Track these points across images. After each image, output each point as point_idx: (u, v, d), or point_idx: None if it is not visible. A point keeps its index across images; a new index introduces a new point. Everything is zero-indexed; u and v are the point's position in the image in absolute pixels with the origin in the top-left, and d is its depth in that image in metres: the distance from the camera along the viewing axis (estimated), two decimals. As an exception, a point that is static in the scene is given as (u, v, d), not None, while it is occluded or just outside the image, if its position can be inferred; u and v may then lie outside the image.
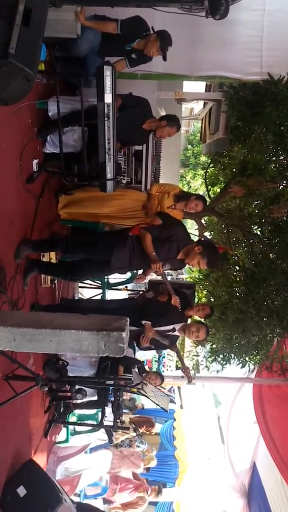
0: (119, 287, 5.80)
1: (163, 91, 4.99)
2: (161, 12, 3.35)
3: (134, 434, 4.80)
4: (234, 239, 5.75)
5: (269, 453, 5.07)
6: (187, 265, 3.87)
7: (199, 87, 7.61)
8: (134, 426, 4.72)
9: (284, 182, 5.04)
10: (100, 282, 5.58)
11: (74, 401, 4.07)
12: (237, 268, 5.28)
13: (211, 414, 8.84)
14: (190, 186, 13.85)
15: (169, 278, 4.59)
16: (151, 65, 4.09)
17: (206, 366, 5.63)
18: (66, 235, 4.44)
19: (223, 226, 5.83)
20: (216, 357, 5.12)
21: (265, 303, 4.67)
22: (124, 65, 3.70)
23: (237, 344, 4.92)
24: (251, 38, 4.33)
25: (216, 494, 6.87)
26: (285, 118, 4.45)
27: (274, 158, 5.08)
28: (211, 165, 6.18)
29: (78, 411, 4.74)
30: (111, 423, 4.02)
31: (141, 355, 8.15)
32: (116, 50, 3.66)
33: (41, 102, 3.53)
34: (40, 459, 3.83)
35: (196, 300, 5.48)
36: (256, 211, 5.46)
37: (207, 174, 6.25)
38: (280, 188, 5.09)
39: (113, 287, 5.76)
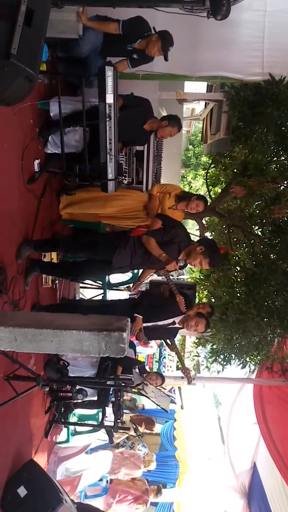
0: (120, 287, 5.80)
1: (165, 91, 4.99)
2: (162, 12, 3.35)
3: (135, 434, 4.79)
4: (235, 239, 5.75)
5: (270, 454, 5.07)
6: (188, 266, 3.88)
7: (200, 87, 7.62)
8: (134, 426, 4.71)
9: (285, 182, 5.04)
10: (101, 282, 5.58)
11: (75, 401, 4.07)
12: (238, 268, 5.28)
13: (211, 414, 8.84)
14: (191, 187, 13.85)
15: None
16: (152, 66, 4.09)
17: (207, 367, 5.63)
18: (68, 236, 4.45)
19: (224, 226, 5.82)
20: (217, 357, 5.11)
21: (265, 303, 4.67)
22: (125, 66, 3.70)
23: (237, 344, 4.92)
24: (253, 39, 4.32)
25: (216, 494, 6.87)
26: (286, 119, 4.46)
27: (275, 158, 5.09)
28: (212, 165, 6.18)
29: (78, 411, 4.75)
30: (112, 423, 4.02)
31: (141, 349, 8.17)
32: (117, 51, 3.67)
33: (43, 102, 3.53)
34: (41, 459, 3.83)
35: (197, 300, 5.48)
36: (257, 211, 5.46)
37: (208, 174, 6.25)
38: (281, 188, 5.08)
39: (114, 287, 5.75)
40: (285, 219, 4.95)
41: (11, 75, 2.21)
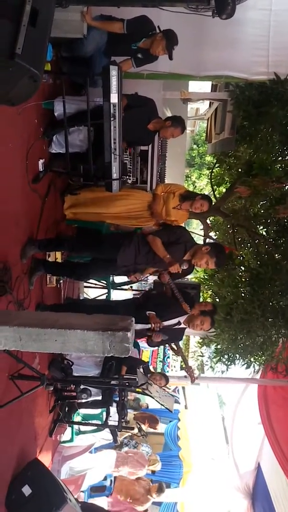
0: (124, 287, 5.81)
1: (169, 91, 4.98)
2: (167, 11, 3.34)
3: (139, 433, 4.79)
4: (239, 239, 5.74)
5: (274, 454, 5.06)
6: (193, 269, 3.88)
7: (204, 87, 7.61)
8: (138, 426, 4.71)
9: (290, 182, 5.02)
10: (105, 282, 5.59)
11: (79, 401, 4.08)
12: (243, 268, 5.27)
13: (215, 414, 8.83)
14: (196, 186, 13.85)
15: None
16: (157, 65, 4.09)
17: (211, 367, 5.63)
18: (72, 235, 4.46)
19: (228, 226, 5.82)
20: (221, 357, 5.10)
21: (270, 303, 4.66)
22: (130, 65, 3.69)
23: (242, 344, 4.91)
24: (258, 38, 4.31)
25: (220, 494, 6.86)
26: (291, 118, 4.44)
27: (280, 158, 5.08)
28: (217, 165, 6.17)
29: (82, 411, 4.75)
30: (116, 423, 4.02)
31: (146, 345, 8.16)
32: (122, 50, 3.66)
33: (47, 102, 3.54)
34: (45, 459, 3.84)
35: (201, 300, 5.47)
36: (262, 211, 5.45)
37: (213, 174, 6.24)
38: (286, 188, 5.07)
39: (118, 287, 5.76)
40: (290, 219, 4.94)
41: (16, 75, 2.21)
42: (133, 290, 6.34)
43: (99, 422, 4.69)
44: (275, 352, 4.92)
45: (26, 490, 2.97)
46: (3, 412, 2.79)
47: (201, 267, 3.42)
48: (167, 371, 8.80)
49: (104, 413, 4.37)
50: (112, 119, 3.23)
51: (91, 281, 5.79)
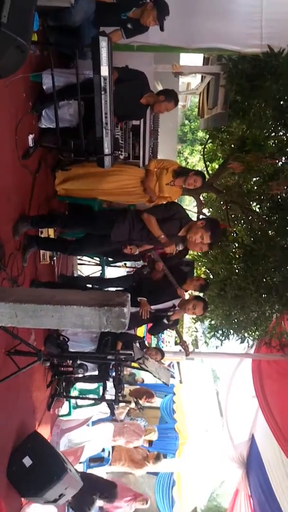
0: (118, 264, 5.81)
1: (160, 64, 4.87)
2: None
3: (136, 407, 4.90)
4: (233, 216, 5.74)
5: (268, 425, 5.20)
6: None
7: (196, 60, 7.45)
8: (135, 400, 4.81)
9: (284, 158, 4.99)
10: (99, 259, 5.59)
11: (76, 376, 4.14)
12: (236, 245, 5.28)
13: (210, 389, 9.03)
14: (188, 162, 13.72)
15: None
16: (147, 36, 3.99)
17: (205, 342, 5.71)
18: (64, 212, 4.43)
19: (221, 202, 5.80)
20: (215, 333, 5.17)
21: (264, 279, 4.69)
22: (119, 36, 3.60)
23: (236, 320, 4.97)
24: (251, 9, 4.20)
25: (215, 464, 7.08)
26: (285, 92, 4.37)
27: (274, 133, 5.03)
28: (209, 140, 6.11)
29: (79, 386, 4.82)
30: (113, 397, 4.10)
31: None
32: (111, 20, 3.56)
33: (35, 75, 3.45)
34: (44, 431, 3.92)
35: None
36: (255, 187, 5.44)
37: (205, 150, 6.18)
38: (279, 164, 5.05)
39: (112, 264, 5.77)
40: (284, 195, 4.93)
41: (2, 45, 2.15)
42: (126, 267, 6.35)
43: (96, 397, 4.78)
44: (268, 327, 4.99)
45: (27, 461, 3.05)
46: (1, 388, 2.83)
47: (196, 242, 3.41)
48: (162, 347, 8.93)
49: (101, 388, 4.45)
50: (103, 92, 3.17)
51: (84, 258, 5.79)
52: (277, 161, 4.98)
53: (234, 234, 5.49)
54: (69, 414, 4.90)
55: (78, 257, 5.75)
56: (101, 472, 5.68)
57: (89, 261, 5.89)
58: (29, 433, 3.33)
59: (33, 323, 2.20)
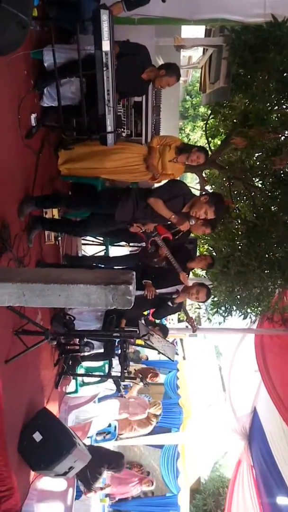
0: (122, 243, 5.81)
1: (161, 37, 4.75)
2: None
3: (142, 384, 5.00)
4: (235, 192, 5.70)
5: (270, 398, 5.31)
6: None
7: (198, 33, 7.26)
8: (140, 376, 4.91)
9: (287, 132, 4.92)
10: (102, 239, 5.60)
11: (82, 354, 4.21)
12: (239, 221, 5.27)
13: (212, 364, 9.17)
14: (190, 139, 13.55)
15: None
16: (148, 9, 3.88)
17: (208, 318, 5.77)
18: (68, 192, 4.41)
19: (224, 179, 5.76)
20: (218, 309, 5.22)
21: (266, 255, 4.70)
22: (120, 9, 3.49)
23: (239, 296, 5.00)
24: (253, -23, 4.08)
25: (218, 436, 7.26)
26: (289, 64, 4.28)
27: (277, 107, 4.94)
28: (211, 116, 6.01)
29: (86, 364, 4.91)
30: (119, 374, 4.18)
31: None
32: (111, -8, 3.46)
33: (36, 51, 3.38)
34: (53, 408, 4.01)
35: (198, 254, 5.51)
36: (258, 163, 5.38)
37: (207, 125, 6.09)
38: (282, 138, 4.98)
39: (116, 244, 5.77)
40: (286, 170, 4.89)
41: (3, 22, 2.11)
42: (130, 246, 6.35)
43: (102, 374, 4.87)
44: (271, 303, 5.03)
45: (37, 436, 3.14)
46: (11, 366, 2.89)
47: (201, 217, 3.41)
48: (165, 324, 9.04)
49: (107, 365, 4.53)
50: (105, 68, 3.10)
51: (88, 238, 5.80)
52: (280, 135, 4.91)
53: (237, 211, 5.47)
54: (76, 391, 5.01)
55: (82, 237, 5.75)
56: (108, 446, 5.83)
57: (93, 241, 5.89)
58: (38, 410, 3.42)
59: (41, 302, 2.23)
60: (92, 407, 5.20)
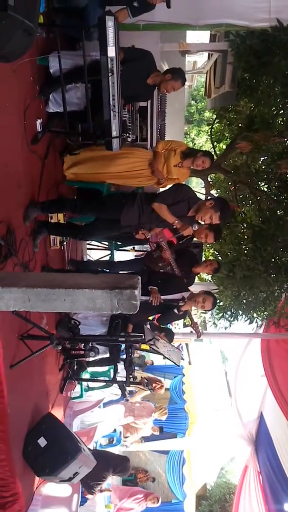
0: (127, 248, 5.82)
1: (166, 42, 4.77)
2: None
3: (147, 388, 4.98)
4: (241, 196, 5.70)
5: (277, 403, 5.26)
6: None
7: (202, 38, 7.29)
8: (146, 381, 4.89)
9: (292, 136, 4.92)
10: (108, 243, 5.60)
11: (87, 359, 4.20)
12: (245, 225, 5.26)
13: (218, 369, 9.11)
14: (195, 143, 13.55)
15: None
16: (153, 15, 3.90)
17: (214, 323, 5.74)
18: (73, 197, 4.42)
19: (229, 183, 5.76)
20: (224, 314, 5.20)
21: (273, 259, 4.68)
22: (126, 15, 3.51)
23: (245, 300, 4.98)
24: (258, -18, 4.09)
25: (224, 442, 7.20)
26: (294, 68, 4.28)
27: (282, 111, 4.94)
28: (217, 120, 6.02)
29: (90, 369, 4.90)
30: (124, 379, 4.17)
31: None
32: (117, -1, 3.49)
33: (42, 58, 3.40)
34: (57, 413, 4.00)
35: (203, 259, 5.50)
36: (263, 167, 5.38)
37: (213, 130, 6.10)
38: (288, 142, 4.98)
39: (121, 248, 5.78)
40: (292, 174, 4.89)
41: (9, 29, 2.12)
42: (135, 251, 6.36)
43: (107, 379, 4.86)
44: (277, 307, 5.00)
45: (42, 441, 3.13)
46: (16, 371, 2.89)
47: (206, 222, 3.40)
48: (171, 328, 9.00)
49: (111, 370, 4.52)
50: (110, 74, 3.11)
51: (93, 242, 5.81)
52: (285, 139, 4.91)
53: (243, 215, 5.47)
54: (81, 396, 5.00)
55: (87, 241, 5.76)
56: (113, 451, 5.81)
57: (98, 246, 5.90)
58: (43, 415, 3.41)
59: (46, 307, 2.23)
60: (97, 412, 5.19)
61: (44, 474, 3.21)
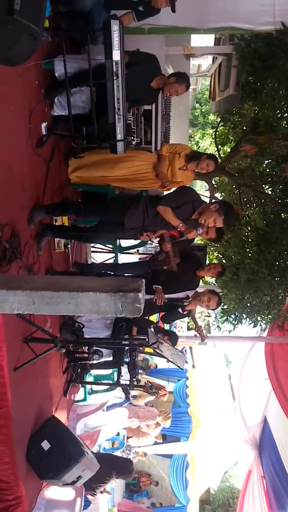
0: (131, 250, 5.83)
1: (171, 46, 4.78)
2: None
3: (151, 392, 4.98)
4: (245, 199, 5.69)
5: (281, 406, 5.24)
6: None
7: (207, 41, 7.31)
8: (150, 384, 4.88)
9: (297, 139, 4.91)
10: (112, 246, 5.61)
11: (91, 362, 4.20)
12: (249, 228, 5.25)
13: (222, 373, 9.09)
14: (199, 146, 13.58)
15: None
16: (158, 19, 3.91)
17: (218, 326, 5.73)
18: (78, 200, 4.43)
19: (234, 186, 5.75)
20: (228, 317, 5.19)
21: (277, 263, 4.67)
22: (131, 19, 3.53)
23: (249, 304, 4.97)
24: (263, -15, 4.10)
25: (228, 446, 7.18)
26: (299, 71, 4.28)
27: (286, 114, 4.94)
28: (221, 123, 6.02)
29: (94, 372, 4.90)
30: (127, 382, 4.16)
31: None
32: (122, 3, 3.50)
33: (47, 62, 3.41)
34: (61, 416, 4.00)
35: (207, 262, 5.50)
36: (268, 170, 5.37)
37: (217, 133, 6.10)
38: (292, 145, 4.96)
39: (125, 251, 5.79)
40: (297, 177, 4.87)
41: (15, 33, 2.13)
42: (139, 253, 6.36)
43: (111, 382, 4.85)
44: (281, 310, 4.99)
45: (45, 445, 3.12)
46: (20, 374, 2.89)
47: (209, 225, 3.40)
48: (175, 332, 8.99)
49: (115, 374, 4.51)
50: (115, 78, 3.12)
51: (98, 245, 5.82)
52: (290, 142, 4.90)
53: (247, 218, 5.46)
54: (84, 399, 4.99)
55: (92, 244, 5.77)
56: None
57: (102, 248, 5.91)
58: (46, 418, 3.41)
59: (50, 310, 2.23)
60: (101, 415, 5.18)
61: (48, 478, 3.21)
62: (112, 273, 4.60)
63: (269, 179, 5.29)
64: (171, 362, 3.79)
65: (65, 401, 4.29)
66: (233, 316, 5.16)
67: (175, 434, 7.35)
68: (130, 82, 3.39)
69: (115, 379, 4.47)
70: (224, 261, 5.24)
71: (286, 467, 5.47)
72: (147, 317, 4.75)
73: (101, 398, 5.33)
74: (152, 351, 3.84)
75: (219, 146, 6.12)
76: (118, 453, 6.00)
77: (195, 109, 14.82)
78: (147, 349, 4.14)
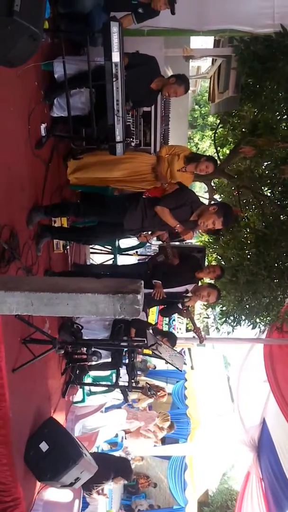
0: (130, 252, 5.83)
1: (171, 48, 4.79)
2: None
3: (149, 394, 4.97)
4: (244, 201, 5.70)
5: (279, 408, 5.24)
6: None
7: (206, 43, 7.31)
8: (148, 385, 4.87)
9: (296, 141, 4.92)
10: (111, 247, 5.61)
11: (89, 363, 4.19)
12: (248, 230, 5.26)
13: (221, 374, 9.10)
14: (198, 148, 13.59)
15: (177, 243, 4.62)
16: (158, 21, 3.92)
17: (217, 328, 5.73)
18: (77, 201, 4.43)
19: (233, 188, 5.76)
20: (227, 319, 5.19)
21: (276, 264, 4.68)
22: (130, 21, 3.54)
23: (247, 305, 4.98)
24: (262, -12, 4.11)
25: (226, 448, 7.17)
26: (298, 73, 4.29)
27: (286, 116, 4.96)
28: (220, 125, 6.03)
29: (93, 373, 4.89)
30: (126, 384, 4.15)
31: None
32: (121, 5, 3.51)
33: (47, 63, 3.42)
34: (59, 418, 3.99)
35: (206, 263, 5.49)
36: (267, 172, 5.38)
37: (216, 135, 6.11)
38: (291, 147, 4.97)
39: (124, 252, 5.79)
40: (295, 179, 4.88)
41: (15, 34, 2.13)
42: (138, 255, 6.36)
43: (109, 383, 4.84)
44: (280, 312, 4.99)
45: (43, 446, 3.11)
46: (18, 375, 2.89)
47: (208, 226, 3.40)
48: (174, 333, 8.98)
49: (114, 375, 4.50)
50: (114, 79, 3.13)
51: (97, 246, 5.82)
52: (289, 144, 4.91)
53: (246, 220, 5.46)
54: (83, 401, 4.98)
55: (91, 245, 5.77)
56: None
57: (101, 250, 5.91)
58: (45, 419, 3.40)
59: (49, 311, 2.23)
60: (99, 416, 5.17)
61: (46, 479, 3.20)
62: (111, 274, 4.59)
63: (268, 181, 5.30)
64: (169, 363, 3.79)
65: (64, 403, 4.28)
66: (231, 317, 5.16)
67: (173, 436, 7.33)
68: (130, 83, 3.39)
69: (114, 380, 4.46)
70: (223, 262, 5.24)
71: (285, 469, 5.47)
72: (146, 312, 4.73)
73: (100, 400, 5.32)
74: (150, 352, 3.83)
75: (218, 148, 6.13)
76: (116, 454, 5.99)
77: (195, 110, 14.85)
78: (146, 351, 4.13)
